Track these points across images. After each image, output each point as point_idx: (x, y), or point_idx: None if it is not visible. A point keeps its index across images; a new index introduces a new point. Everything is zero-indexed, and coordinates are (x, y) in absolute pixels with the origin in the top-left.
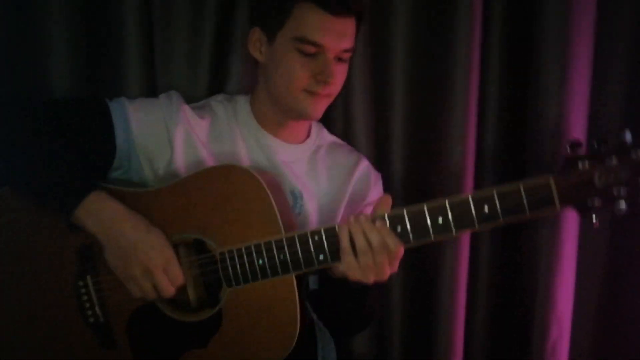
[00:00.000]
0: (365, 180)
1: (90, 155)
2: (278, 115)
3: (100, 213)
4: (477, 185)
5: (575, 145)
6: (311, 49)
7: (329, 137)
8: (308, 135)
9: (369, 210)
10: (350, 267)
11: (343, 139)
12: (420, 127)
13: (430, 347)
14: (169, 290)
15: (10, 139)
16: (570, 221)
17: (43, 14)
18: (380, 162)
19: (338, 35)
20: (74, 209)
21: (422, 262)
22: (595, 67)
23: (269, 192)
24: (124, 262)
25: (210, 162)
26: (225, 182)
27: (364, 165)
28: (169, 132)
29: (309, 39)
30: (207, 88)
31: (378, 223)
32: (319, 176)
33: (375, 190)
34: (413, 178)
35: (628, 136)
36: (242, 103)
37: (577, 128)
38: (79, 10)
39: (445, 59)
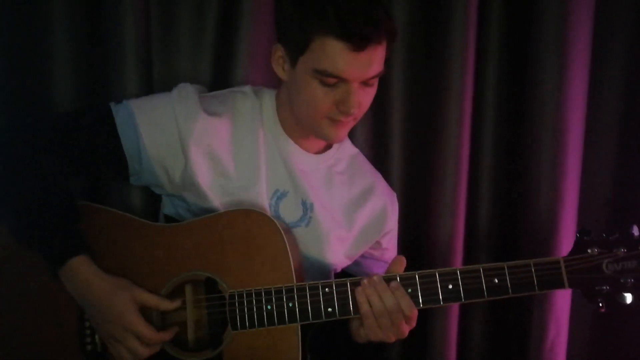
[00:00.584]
0: (382, 210)
1: (101, 167)
2: (300, 128)
3: (76, 279)
4: (473, 184)
5: (583, 232)
6: (332, 81)
7: (350, 150)
8: (330, 146)
9: (387, 240)
10: (372, 330)
11: None
12: (417, 128)
13: (426, 345)
14: (142, 353)
15: (7, 175)
16: (568, 220)
17: (44, 12)
18: (378, 163)
19: (363, 67)
20: (56, 272)
21: (418, 249)
22: (593, 68)
23: (285, 238)
24: (98, 327)
25: (230, 166)
26: (243, 224)
27: (380, 190)
28: (182, 139)
29: (329, 73)
30: (209, 86)
31: (393, 284)
32: (334, 190)
33: (393, 217)
34: (411, 178)
35: (635, 230)
36: (269, 101)
37: (575, 129)
38: (79, 8)
39: (442, 60)
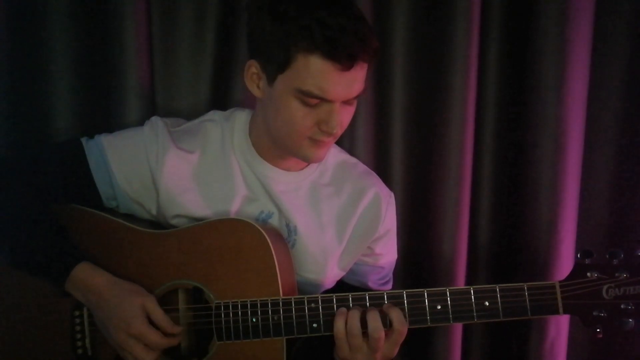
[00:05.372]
0: (373, 213)
1: (75, 200)
2: (278, 150)
3: (85, 287)
4: (476, 186)
5: (585, 254)
6: (315, 101)
7: (337, 157)
8: None
9: (381, 245)
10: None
11: (344, 142)
12: (419, 129)
13: (429, 343)
14: (146, 358)
15: None
16: (568, 222)
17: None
18: (380, 164)
19: (346, 87)
20: (62, 286)
21: (420, 253)
22: (593, 68)
23: (273, 251)
24: (106, 331)
25: (198, 204)
26: (232, 235)
27: (372, 193)
28: (154, 177)
29: (314, 94)
30: (209, 96)
31: (369, 309)
32: (323, 205)
33: (388, 218)
34: (413, 179)
35: None
36: (241, 124)
37: (575, 129)
38: (78, 25)
39: (444, 60)
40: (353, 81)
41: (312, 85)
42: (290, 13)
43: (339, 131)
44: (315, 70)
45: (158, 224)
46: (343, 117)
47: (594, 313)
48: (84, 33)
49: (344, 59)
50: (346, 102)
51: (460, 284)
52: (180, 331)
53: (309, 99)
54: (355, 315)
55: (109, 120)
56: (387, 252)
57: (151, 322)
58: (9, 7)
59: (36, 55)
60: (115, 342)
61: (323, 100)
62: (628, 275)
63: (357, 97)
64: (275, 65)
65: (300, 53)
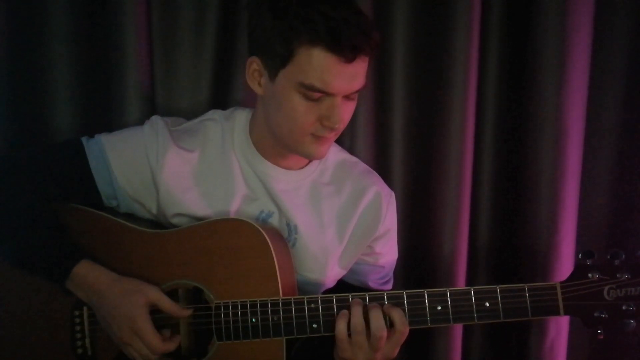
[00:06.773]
0: (374, 212)
1: (75, 200)
2: (278, 148)
3: (86, 284)
4: (476, 186)
5: (586, 255)
6: (317, 95)
7: (337, 156)
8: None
9: (381, 244)
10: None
11: (344, 141)
12: (419, 128)
13: (429, 343)
14: (148, 357)
15: None
16: (567, 222)
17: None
18: (380, 163)
19: (349, 80)
20: (63, 284)
21: (420, 253)
22: (593, 67)
23: (273, 251)
24: (109, 329)
25: (199, 203)
26: (233, 236)
27: (373, 192)
28: (154, 177)
29: (316, 87)
30: (209, 95)
31: (371, 305)
32: (323, 204)
33: (389, 217)
34: (413, 179)
35: None
36: (241, 123)
37: (575, 129)
38: (79, 26)
39: (444, 60)
40: (355, 75)
41: (314, 79)
42: (291, 8)
43: (341, 126)
44: (317, 63)
45: (158, 223)
46: (344, 112)
47: (595, 314)
48: (84, 33)
49: (347, 51)
50: (347, 97)
51: (461, 284)
52: (190, 313)
53: (311, 92)
54: (358, 313)
55: (109, 120)
56: (387, 252)
57: (158, 318)
58: (9, 7)
59: (36, 55)
60: (119, 339)
61: (325, 94)
62: (629, 277)
63: (358, 91)
64: (278, 60)
65: (303, 46)
